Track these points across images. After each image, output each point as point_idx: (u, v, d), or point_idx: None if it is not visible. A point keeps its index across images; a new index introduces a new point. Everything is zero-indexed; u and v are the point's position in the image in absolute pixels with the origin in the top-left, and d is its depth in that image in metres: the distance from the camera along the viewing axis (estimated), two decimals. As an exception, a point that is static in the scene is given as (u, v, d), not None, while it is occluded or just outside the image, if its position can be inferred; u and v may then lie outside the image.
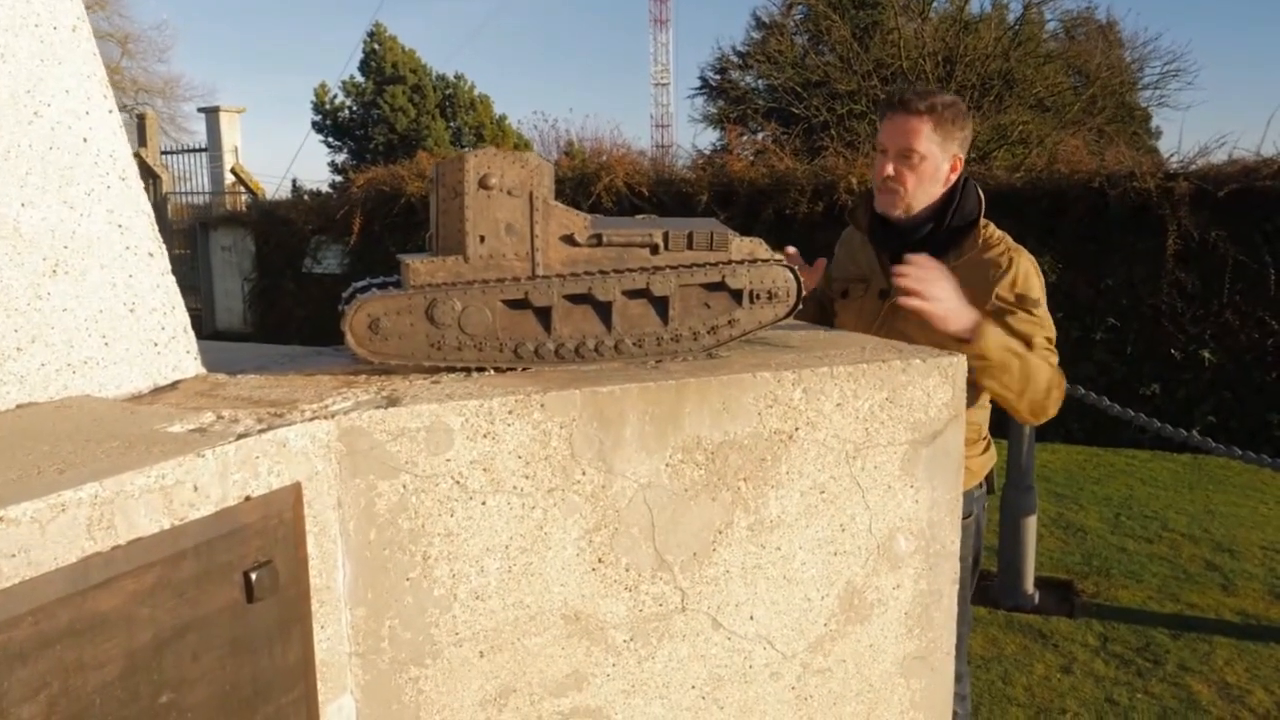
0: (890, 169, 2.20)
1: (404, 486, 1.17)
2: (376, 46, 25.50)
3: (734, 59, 17.64)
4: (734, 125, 15.16)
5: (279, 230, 11.88)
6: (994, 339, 1.97)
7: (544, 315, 1.37)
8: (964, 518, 2.29)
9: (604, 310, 1.39)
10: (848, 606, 1.42)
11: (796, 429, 1.35)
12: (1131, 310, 7.38)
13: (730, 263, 1.44)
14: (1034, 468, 4.38)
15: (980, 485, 2.37)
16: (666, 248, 1.41)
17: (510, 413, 1.21)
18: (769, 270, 1.46)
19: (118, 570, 0.87)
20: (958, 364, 1.46)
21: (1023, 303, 2.16)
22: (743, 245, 1.46)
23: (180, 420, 1.09)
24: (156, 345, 1.32)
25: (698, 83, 19.41)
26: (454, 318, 1.33)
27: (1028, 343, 2.13)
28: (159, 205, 14.46)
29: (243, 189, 15.30)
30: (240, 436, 1.03)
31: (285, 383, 1.33)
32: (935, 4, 15.15)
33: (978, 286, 2.15)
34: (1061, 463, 6.76)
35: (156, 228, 1.35)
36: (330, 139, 26.00)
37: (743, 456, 1.33)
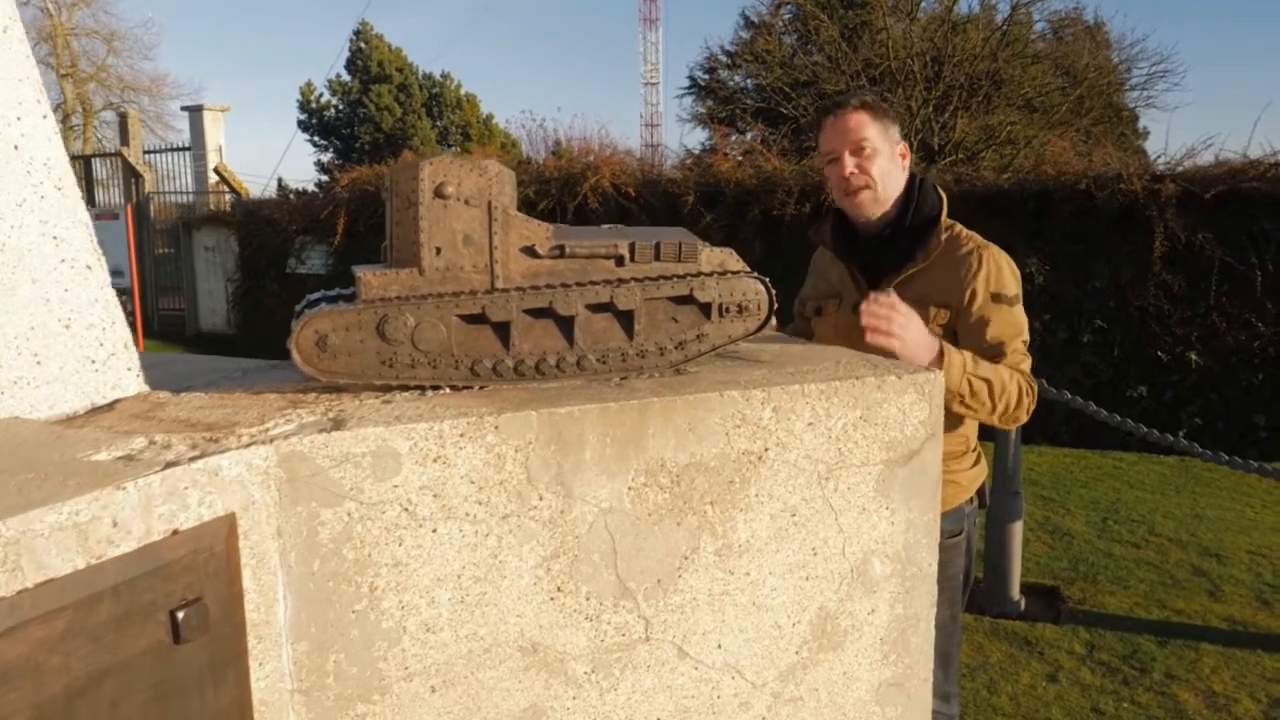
0: (850, 166, 2.20)
1: (349, 514, 1.11)
2: (363, 45, 25.40)
3: (722, 59, 17.59)
4: (721, 125, 15.12)
5: (263, 230, 11.78)
6: (956, 370, 1.95)
7: (503, 331, 1.31)
8: (954, 535, 2.24)
9: (566, 325, 1.33)
10: (820, 633, 1.37)
11: (766, 449, 1.29)
12: (1118, 312, 7.36)
13: (699, 275, 1.38)
14: (1020, 473, 4.34)
15: (971, 500, 2.31)
16: (632, 259, 1.35)
17: (462, 435, 1.14)
18: (739, 282, 1.40)
19: (23, 617, 0.81)
20: (935, 380, 1.40)
21: (998, 300, 2.11)
22: (712, 256, 1.40)
23: (108, 446, 1.03)
24: (94, 363, 1.25)
25: (687, 82, 19.36)
26: (407, 334, 1.27)
27: (1001, 349, 2.09)
28: (142, 204, 14.29)
29: (227, 188, 15.16)
30: (168, 465, 0.97)
31: (229, 402, 1.26)
32: (923, 4, 15.16)
33: (949, 286, 2.11)
34: (1048, 466, 6.73)
35: (96, 239, 1.28)
36: (316, 138, 25.90)
37: (709, 479, 1.27)
